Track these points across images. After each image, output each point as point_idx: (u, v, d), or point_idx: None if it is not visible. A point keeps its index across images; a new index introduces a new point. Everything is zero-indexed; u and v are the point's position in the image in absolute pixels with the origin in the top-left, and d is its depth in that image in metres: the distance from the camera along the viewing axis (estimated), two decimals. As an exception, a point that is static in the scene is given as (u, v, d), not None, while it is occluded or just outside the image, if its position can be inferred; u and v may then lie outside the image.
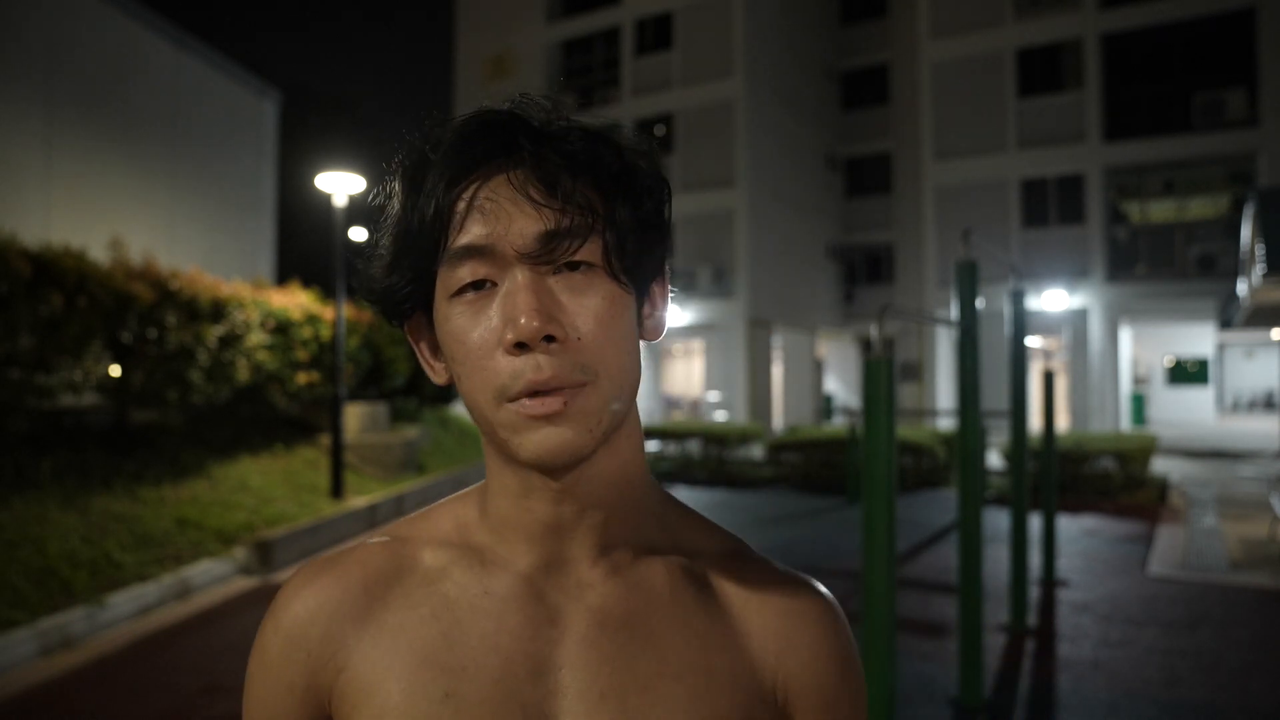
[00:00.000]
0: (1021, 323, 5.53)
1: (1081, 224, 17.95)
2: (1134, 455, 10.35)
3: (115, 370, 7.61)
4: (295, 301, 9.72)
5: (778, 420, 20.41)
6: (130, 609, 5.50)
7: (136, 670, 4.66)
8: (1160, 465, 12.79)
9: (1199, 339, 22.28)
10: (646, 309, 0.61)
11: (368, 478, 9.64)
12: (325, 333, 9.83)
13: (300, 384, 9.69)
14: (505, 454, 0.57)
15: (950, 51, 19.07)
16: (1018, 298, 5.48)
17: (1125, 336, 19.01)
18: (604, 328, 0.54)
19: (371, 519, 8.53)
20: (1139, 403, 20.42)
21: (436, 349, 0.61)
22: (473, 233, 0.54)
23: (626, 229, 0.56)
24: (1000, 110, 18.56)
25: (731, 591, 0.63)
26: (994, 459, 12.27)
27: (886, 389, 3.01)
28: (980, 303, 4.56)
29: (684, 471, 13.30)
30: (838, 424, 19.11)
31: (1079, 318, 17.74)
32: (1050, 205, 18.32)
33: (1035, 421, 9.61)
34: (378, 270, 0.59)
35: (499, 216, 0.54)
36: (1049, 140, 18.14)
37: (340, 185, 9.11)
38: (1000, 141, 18.56)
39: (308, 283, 10.77)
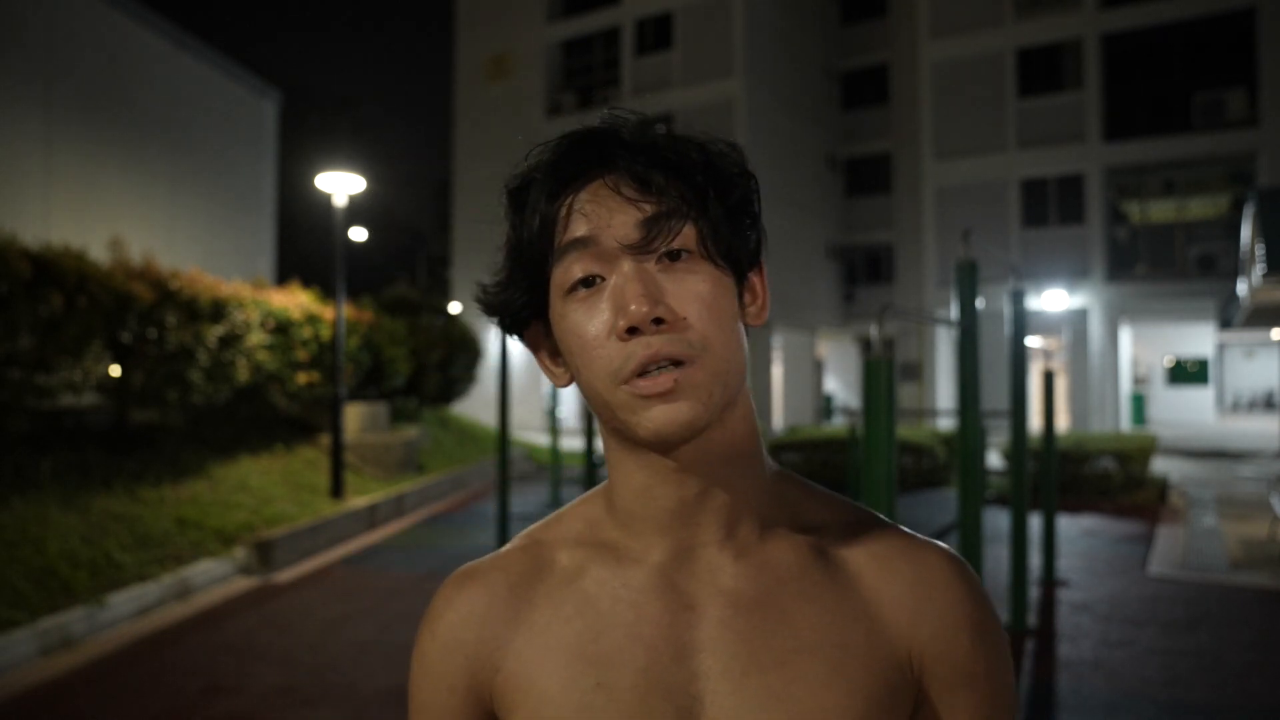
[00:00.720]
0: (1021, 323, 5.53)
1: (1081, 224, 17.95)
2: (1134, 455, 10.33)
3: (115, 370, 7.61)
4: (295, 301, 9.72)
5: (778, 420, 20.41)
6: (130, 609, 5.50)
7: (136, 670, 4.66)
8: (1160, 465, 12.77)
9: (1199, 339, 22.28)
10: (747, 297, 0.65)
11: (368, 478, 9.65)
12: (325, 333, 9.82)
13: (300, 384, 9.68)
14: (626, 439, 0.61)
15: (950, 51, 19.06)
16: (1018, 298, 5.48)
17: (1125, 336, 19.01)
18: (708, 309, 0.58)
19: (371, 519, 8.53)
20: (1139, 403, 20.41)
21: (555, 354, 0.65)
22: (578, 232, 0.59)
23: (718, 217, 0.60)
24: (1000, 110, 18.55)
25: (859, 562, 0.64)
26: (994, 459, 12.26)
27: (886, 389, 3.01)
28: (980, 303, 4.56)
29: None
30: (838, 424, 19.10)
31: (1079, 318, 17.74)
32: (1050, 205, 18.32)
33: (1035, 421, 9.60)
34: (496, 284, 0.65)
35: (599, 215, 0.59)
36: (1049, 140, 18.14)
37: (340, 185, 9.11)
38: (1000, 141, 18.55)
39: (308, 283, 10.77)
